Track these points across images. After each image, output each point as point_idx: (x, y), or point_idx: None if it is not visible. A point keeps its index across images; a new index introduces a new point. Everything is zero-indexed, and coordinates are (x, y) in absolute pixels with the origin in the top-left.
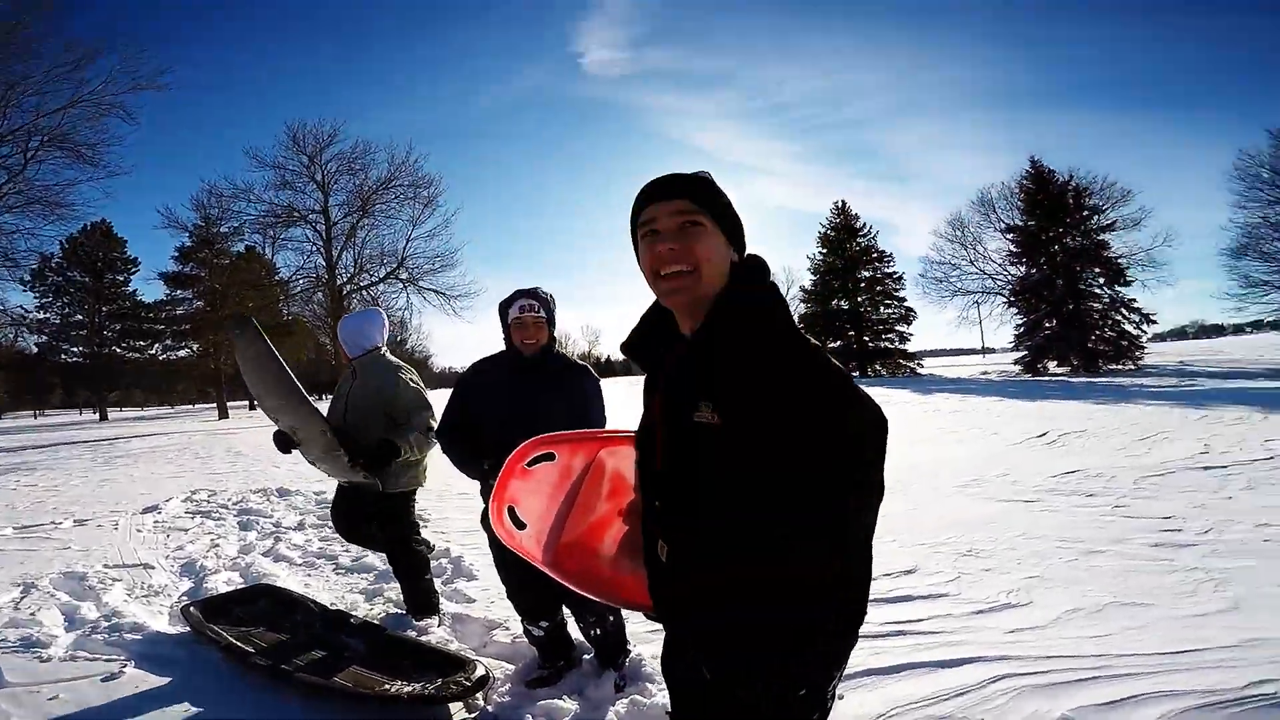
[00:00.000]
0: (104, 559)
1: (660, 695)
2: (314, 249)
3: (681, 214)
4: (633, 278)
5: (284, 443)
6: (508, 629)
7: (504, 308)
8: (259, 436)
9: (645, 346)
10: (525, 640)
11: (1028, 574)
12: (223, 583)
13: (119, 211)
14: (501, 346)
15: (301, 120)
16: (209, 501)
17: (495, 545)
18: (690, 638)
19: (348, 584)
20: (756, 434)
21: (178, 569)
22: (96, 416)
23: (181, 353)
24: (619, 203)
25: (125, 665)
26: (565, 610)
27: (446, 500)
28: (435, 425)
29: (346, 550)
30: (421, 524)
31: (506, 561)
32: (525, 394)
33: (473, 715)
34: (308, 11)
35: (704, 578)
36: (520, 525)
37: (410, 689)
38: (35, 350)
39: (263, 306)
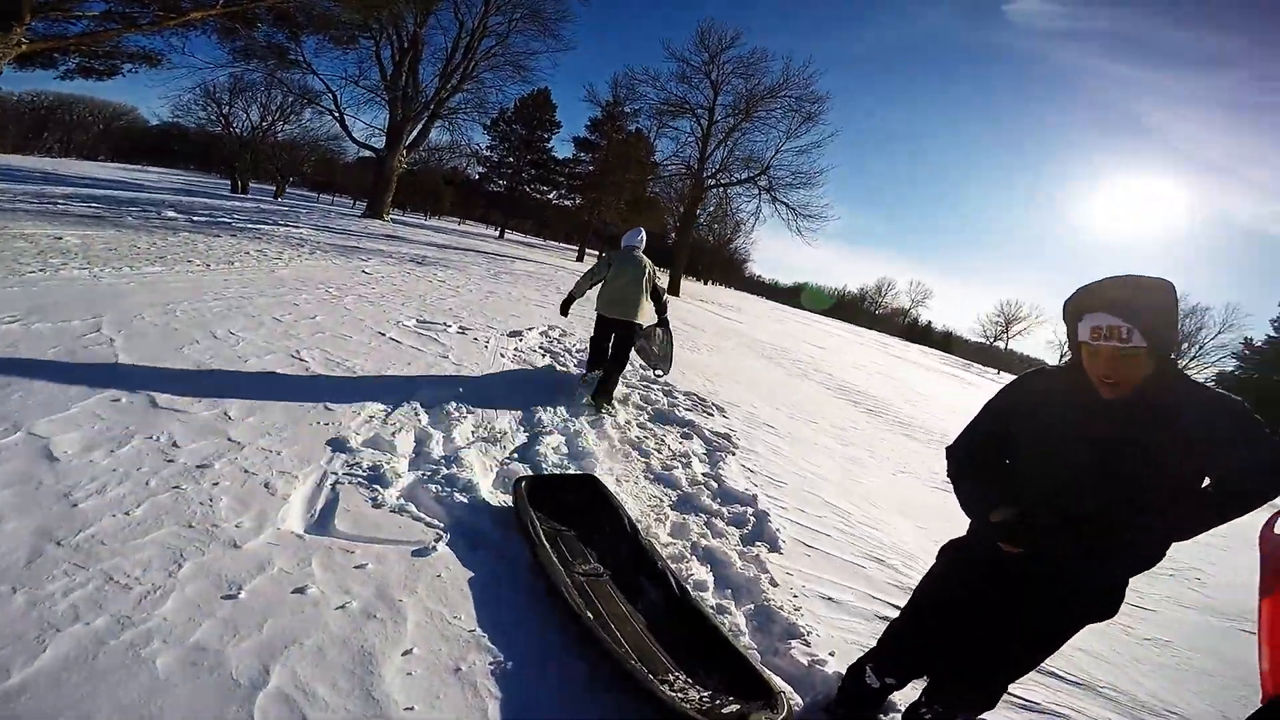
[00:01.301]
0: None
1: None
2: (691, 139)
3: None
4: (988, 251)
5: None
6: (807, 644)
7: (1071, 311)
8: None
9: None
10: (826, 669)
11: None
12: (551, 448)
13: (556, 81)
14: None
15: (711, 19)
16: (559, 342)
17: (942, 577)
18: None
19: (655, 496)
20: None
21: (520, 415)
22: (498, 234)
23: (567, 202)
24: (1014, 162)
25: (439, 539)
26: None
27: (754, 428)
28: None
29: (658, 448)
30: (728, 447)
31: (937, 599)
32: (1113, 447)
33: None
34: None
35: None
36: None
37: (699, 697)
38: (476, 177)
39: (635, 181)
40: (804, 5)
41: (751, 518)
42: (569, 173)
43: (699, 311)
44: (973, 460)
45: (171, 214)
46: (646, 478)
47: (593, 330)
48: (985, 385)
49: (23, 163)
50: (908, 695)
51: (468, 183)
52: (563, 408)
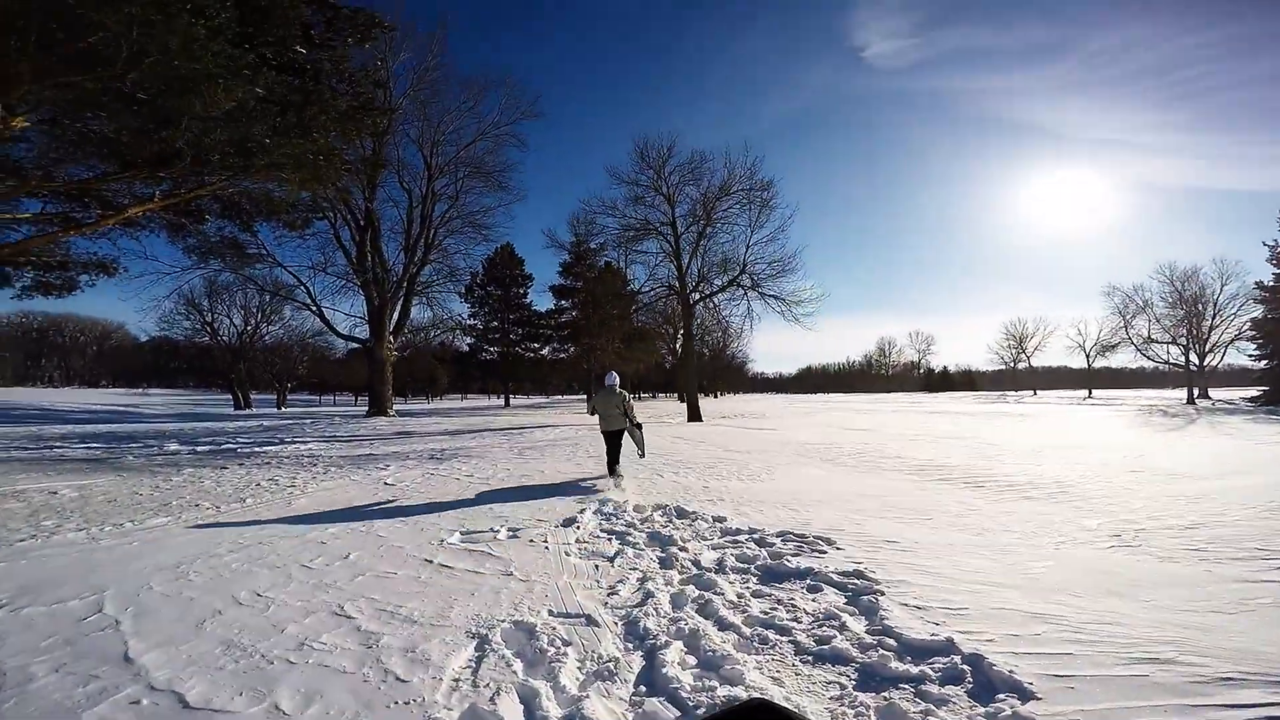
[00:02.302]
0: (545, 600)
1: None
2: (663, 258)
3: None
4: (960, 282)
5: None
6: None
7: None
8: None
9: None
10: None
11: None
12: (676, 663)
13: (516, 235)
14: None
15: (644, 136)
16: (618, 517)
17: None
18: None
19: (829, 681)
20: None
21: (621, 628)
22: (503, 403)
23: (562, 354)
24: (939, 194)
25: None
26: None
27: (877, 551)
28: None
29: (794, 617)
30: (869, 586)
31: None
32: None
33: None
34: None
35: None
36: None
37: None
38: (467, 349)
39: (621, 315)
40: (704, 97)
41: (964, 666)
42: (555, 323)
43: (729, 432)
44: None
45: (174, 446)
46: (802, 661)
47: (603, 439)
48: (1037, 412)
49: (23, 397)
50: None
51: (460, 357)
52: (663, 599)
